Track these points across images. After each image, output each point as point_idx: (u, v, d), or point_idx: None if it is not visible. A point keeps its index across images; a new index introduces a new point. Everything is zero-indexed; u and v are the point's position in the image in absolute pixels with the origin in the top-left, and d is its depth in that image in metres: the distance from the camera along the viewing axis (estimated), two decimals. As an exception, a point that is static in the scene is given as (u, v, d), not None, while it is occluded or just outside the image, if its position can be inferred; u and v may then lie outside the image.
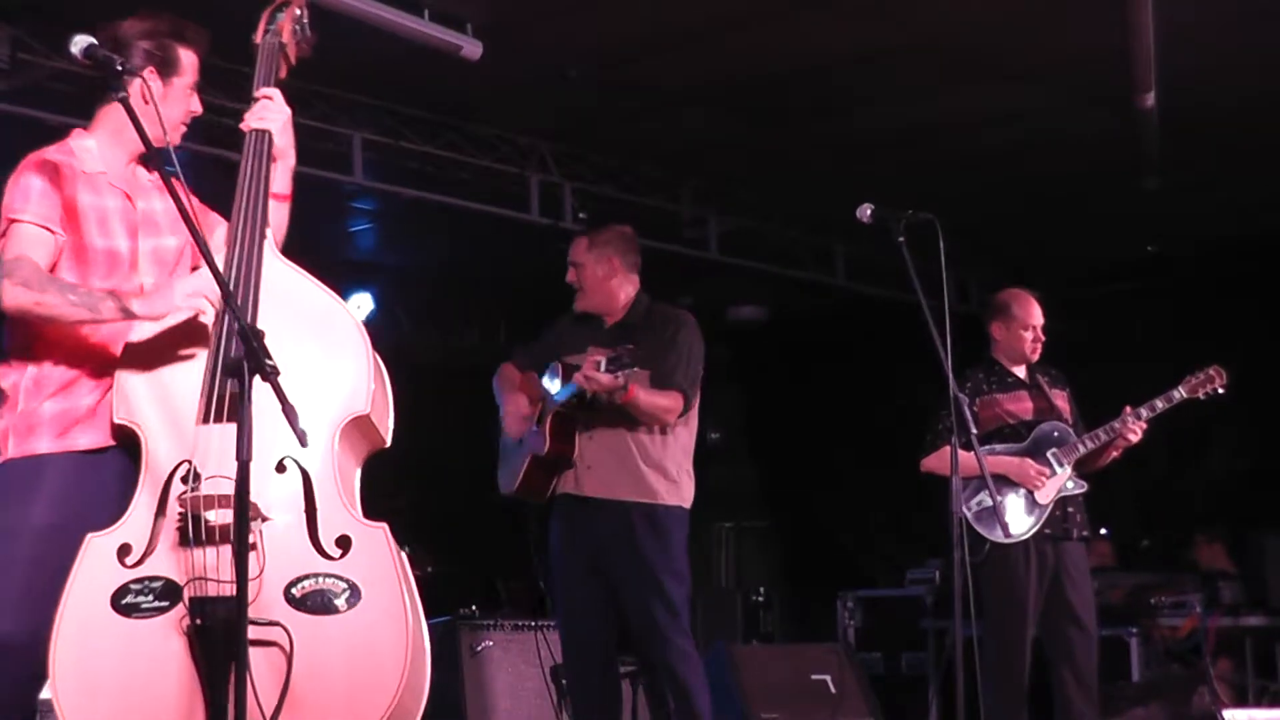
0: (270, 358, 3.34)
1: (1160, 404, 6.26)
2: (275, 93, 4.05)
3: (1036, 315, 6.49)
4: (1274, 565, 9.33)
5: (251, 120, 4.01)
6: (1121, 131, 8.37)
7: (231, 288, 3.75)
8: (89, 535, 3.68)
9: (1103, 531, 9.41)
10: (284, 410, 3.34)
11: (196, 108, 4.04)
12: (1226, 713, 5.37)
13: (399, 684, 3.60)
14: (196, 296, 3.69)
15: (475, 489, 6.08)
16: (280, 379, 3.39)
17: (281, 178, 4.07)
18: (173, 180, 3.60)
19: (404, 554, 3.78)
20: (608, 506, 5.64)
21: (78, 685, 3.60)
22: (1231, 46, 7.62)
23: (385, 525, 3.76)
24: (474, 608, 7.83)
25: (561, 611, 5.81)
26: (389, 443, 4.04)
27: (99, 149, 3.94)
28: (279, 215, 4.06)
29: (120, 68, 3.66)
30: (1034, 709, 6.26)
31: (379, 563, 3.70)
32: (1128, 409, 6.26)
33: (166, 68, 3.96)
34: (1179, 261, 10.91)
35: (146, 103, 3.86)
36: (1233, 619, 9.04)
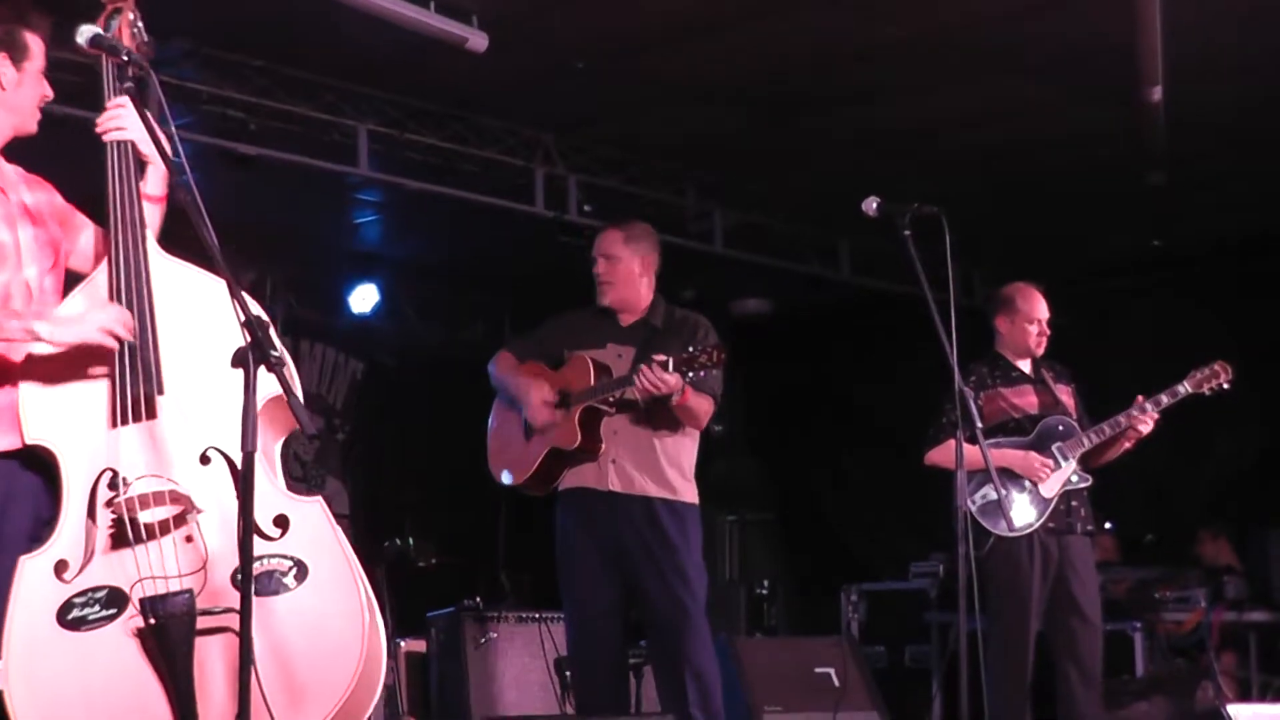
0: (275, 348, 3.35)
1: (1165, 399, 6.26)
2: (125, 100, 3.98)
3: (1041, 309, 6.49)
4: (1278, 560, 9.33)
5: (111, 132, 3.95)
6: (1126, 126, 8.36)
7: (122, 292, 3.79)
8: (21, 559, 3.69)
9: (1107, 526, 9.41)
10: (290, 403, 3.35)
11: (48, 92, 3.98)
12: (1230, 708, 5.37)
13: (361, 650, 3.64)
14: (110, 333, 3.68)
15: (480, 481, 6.07)
16: (168, 380, 3.51)
17: (153, 180, 4.04)
18: (189, 181, 3.61)
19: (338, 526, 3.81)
20: (633, 501, 5.66)
21: (37, 707, 3.60)
22: (1239, 41, 7.60)
23: (320, 497, 3.80)
24: (478, 600, 7.84)
25: (574, 604, 5.80)
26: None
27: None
28: (152, 215, 4.02)
29: (126, 58, 3.66)
30: (1038, 703, 6.26)
31: (320, 536, 3.74)
32: (1140, 399, 6.25)
33: (17, 53, 3.90)
34: (1184, 256, 10.89)
35: (4, 89, 3.87)
36: (1237, 614, 9.04)
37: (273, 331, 3.46)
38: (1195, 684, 8.16)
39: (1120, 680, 8.08)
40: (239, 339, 3.71)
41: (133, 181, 3.93)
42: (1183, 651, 8.92)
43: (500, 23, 7.29)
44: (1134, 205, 10.06)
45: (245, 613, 3.31)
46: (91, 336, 3.67)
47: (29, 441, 3.76)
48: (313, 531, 3.74)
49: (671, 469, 5.73)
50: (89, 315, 3.73)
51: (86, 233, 4.06)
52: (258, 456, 3.69)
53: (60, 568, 3.67)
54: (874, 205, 5.28)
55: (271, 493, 3.77)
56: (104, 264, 3.90)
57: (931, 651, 9.59)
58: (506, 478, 5.92)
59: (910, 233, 5.16)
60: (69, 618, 3.64)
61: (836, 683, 7.67)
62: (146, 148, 3.99)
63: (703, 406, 5.65)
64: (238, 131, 7.89)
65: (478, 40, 7.27)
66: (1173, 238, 10.85)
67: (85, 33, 3.69)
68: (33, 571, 3.68)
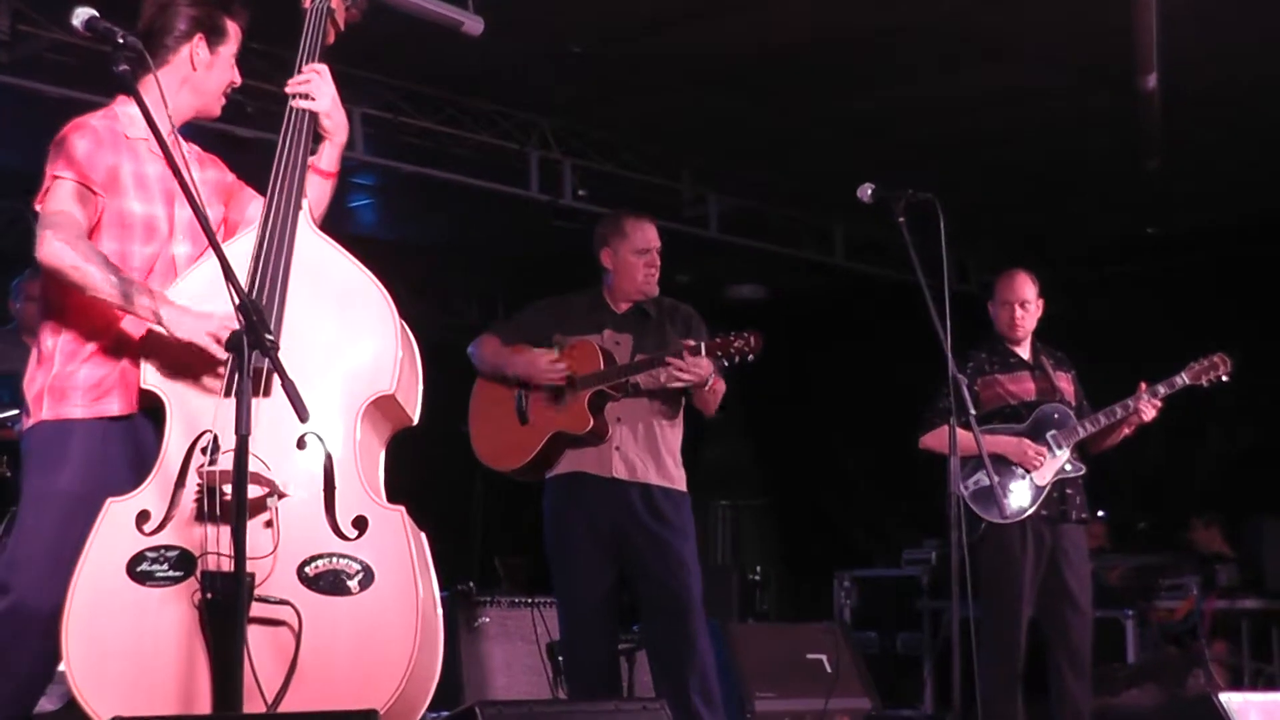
0: (270, 332, 3.34)
1: (1163, 389, 6.27)
2: (323, 69, 4.04)
3: (1016, 291, 6.48)
4: (1270, 548, 9.35)
5: (297, 98, 4.00)
6: (1123, 112, 8.36)
7: (262, 263, 3.77)
8: (109, 500, 3.69)
9: (1100, 514, 9.43)
10: (284, 386, 3.34)
11: (237, 79, 4.06)
12: (1222, 695, 5.36)
13: (405, 670, 3.58)
14: (217, 341, 3.65)
15: (472, 466, 6.07)
16: (280, 354, 3.40)
17: (329, 155, 4.09)
18: (174, 151, 3.60)
19: (422, 536, 3.76)
20: (634, 489, 5.66)
21: (89, 648, 3.60)
22: (1234, 28, 7.60)
23: (403, 508, 3.74)
24: (471, 584, 7.85)
25: (567, 589, 5.80)
26: (416, 421, 4.02)
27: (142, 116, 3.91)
28: (320, 191, 4.06)
29: (120, 41, 3.64)
30: (1029, 690, 6.27)
31: (394, 546, 3.69)
32: (1143, 385, 6.26)
33: (214, 36, 3.98)
34: (1179, 243, 10.90)
35: (195, 69, 3.93)
36: (1229, 601, 9.06)
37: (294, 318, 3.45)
38: (1187, 671, 8.18)
39: (1112, 667, 8.10)
40: (368, 330, 3.80)
41: (301, 151, 3.95)
42: (1175, 639, 8.94)
43: (496, 6, 7.27)
44: (1129, 192, 10.06)
45: (238, 601, 3.32)
46: (200, 341, 3.68)
47: (145, 386, 3.78)
48: (388, 540, 3.69)
49: (669, 457, 5.76)
50: (211, 318, 3.69)
51: (255, 204, 4.06)
52: (352, 453, 3.73)
53: (142, 518, 3.66)
54: (869, 191, 5.28)
55: (358, 493, 3.72)
56: (250, 229, 3.89)
57: (923, 638, 9.61)
58: (499, 463, 5.91)
59: (905, 219, 5.17)
60: (138, 570, 3.63)
61: (828, 669, 7.70)
62: (330, 122, 4.04)
63: (723, 389, 5.69)
64: (234, 114, 7.87)
65: (473, 24, 7.24)
66: (1167, 224, 10.86)
67: (80, 15, 3.65)
68: (116, 515, 3.67)
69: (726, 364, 5.41)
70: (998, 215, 10.33)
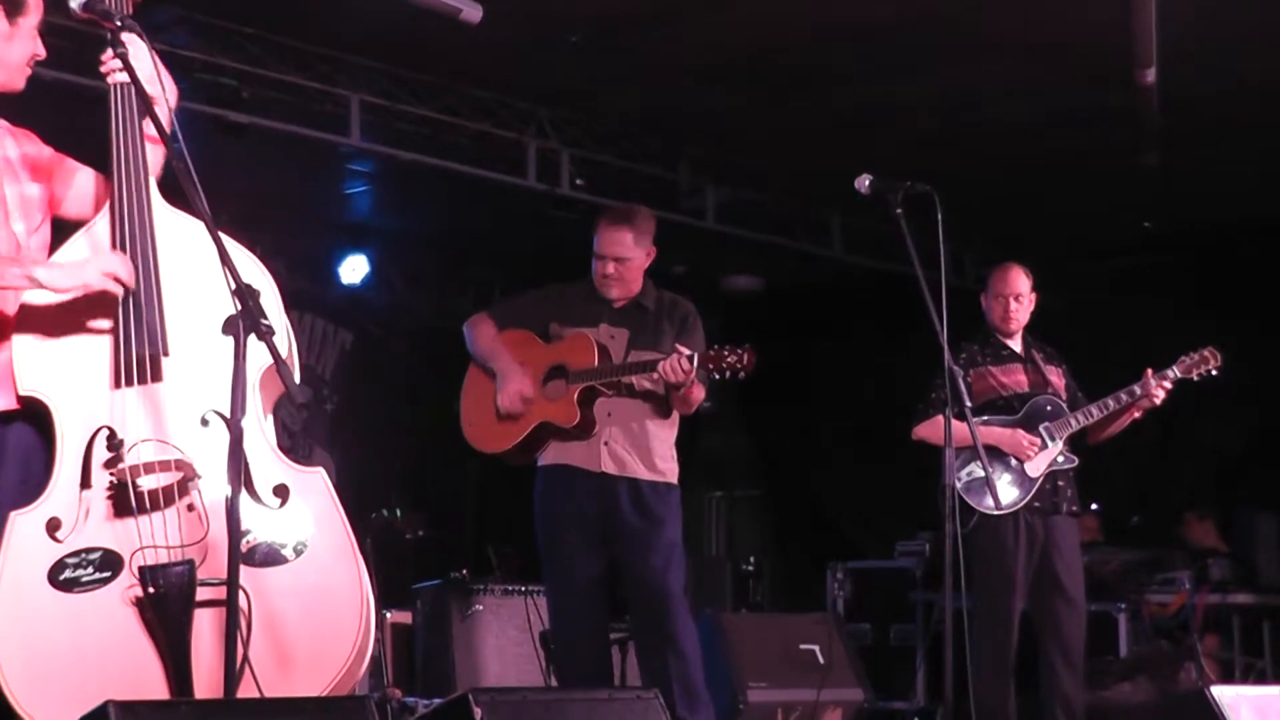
0: (266, 317, 3.32)
1: (1170, 377, 6.28)
2: (133, 37, 3.84)
3: (1010, 285, 6.49)
4: (1263, 543, 9.37)
5: (115, 73, 3.84)
6: (1121, 108, 8.36)
7: (126, 244, 3.69)
8: (11, 514, 3.60)
9: (1093, 507, 9.44)
10: (279, 371, 3.32)
11: (41, 51, 3.86)
12: (1213, 689, 5.38)
13: (360, 622, 3.60)
14: (112, 279, 3.58)
15: (466, 454, 6.07)
16: (169, 336, 3.44)
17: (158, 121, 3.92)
18: (174, 143, 3.57)
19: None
20: (622, 483, 5.67)
21: (26, 669, 3.53)
22: (1234, 24, 7.60)
23: (321, 469, 3.73)
24: (465, 572, 7.86)
25: (557, 578, 5.81)
26: (297, 379, 3.99)
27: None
28: (153, 158, 3.91)
29: (119, 23, 3.63)
30: (1021, 682, 6.28)
31: (321, 506, 3.69)
32: (1149, 371, 6.27)
33: (11, 6, 3.78)
34: (1176, 239, 10.90)
35: None
36: (1221, 596, 9.07)
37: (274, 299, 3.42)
38: (1178, 665, 8.19)
39: (1104, 661, 8.10)
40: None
41: (136, 126, 3.83)
42: (1167, 633, 8.94)
43: (495, -6, 7.27)
44: (1127, 187, 10.05)
45: (232, 582, 3.31)
46: (93, 281, 3.58)
47: (23, 393, 3.67)
48: (314, 501, 3.68)
49: (659, 452, 5.75)
50: (90, 260, 3.61)
51: (81, 176, 3.95)
52: (256, 425, 3.69)
53: (53, 526, 3.59)
54: (866, 183, 5.28)
55: (272, 461, 3.70)
56: (105, 211, 3.80)
57: (916, 630, 9.61)
58: (484, 445, 5.91)
59: (902, 211, 5.17)
60: (61, 578, 3.56)
61: (821, 660, 7.69)
62: (152, 88, 3.86)
63: (700, 396, 5.67)
64: (230, 99, 7.85)
65: (472, 12, 7.23)
66: (1164, 220, 10.86)
67: (78, -3, 3.65)
68: (24, 527, 3.58)
69: (717, 377, 5.40)
70: (994, 209, 10.31)
